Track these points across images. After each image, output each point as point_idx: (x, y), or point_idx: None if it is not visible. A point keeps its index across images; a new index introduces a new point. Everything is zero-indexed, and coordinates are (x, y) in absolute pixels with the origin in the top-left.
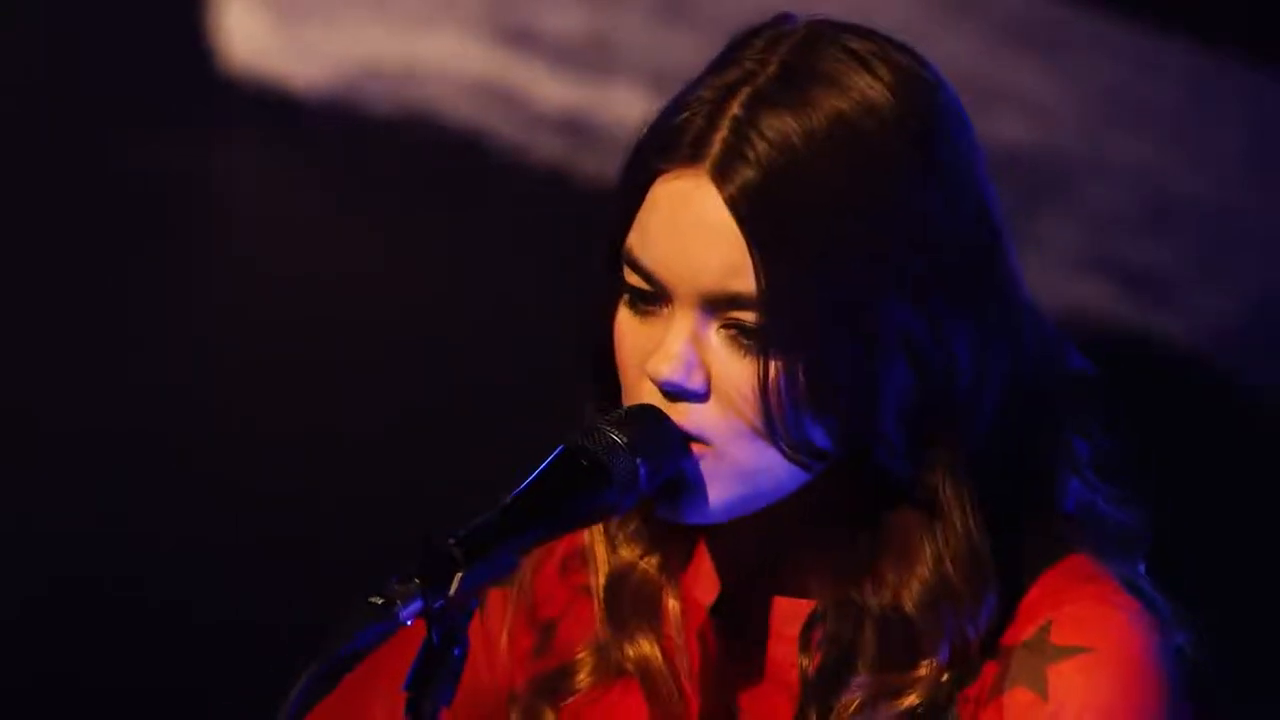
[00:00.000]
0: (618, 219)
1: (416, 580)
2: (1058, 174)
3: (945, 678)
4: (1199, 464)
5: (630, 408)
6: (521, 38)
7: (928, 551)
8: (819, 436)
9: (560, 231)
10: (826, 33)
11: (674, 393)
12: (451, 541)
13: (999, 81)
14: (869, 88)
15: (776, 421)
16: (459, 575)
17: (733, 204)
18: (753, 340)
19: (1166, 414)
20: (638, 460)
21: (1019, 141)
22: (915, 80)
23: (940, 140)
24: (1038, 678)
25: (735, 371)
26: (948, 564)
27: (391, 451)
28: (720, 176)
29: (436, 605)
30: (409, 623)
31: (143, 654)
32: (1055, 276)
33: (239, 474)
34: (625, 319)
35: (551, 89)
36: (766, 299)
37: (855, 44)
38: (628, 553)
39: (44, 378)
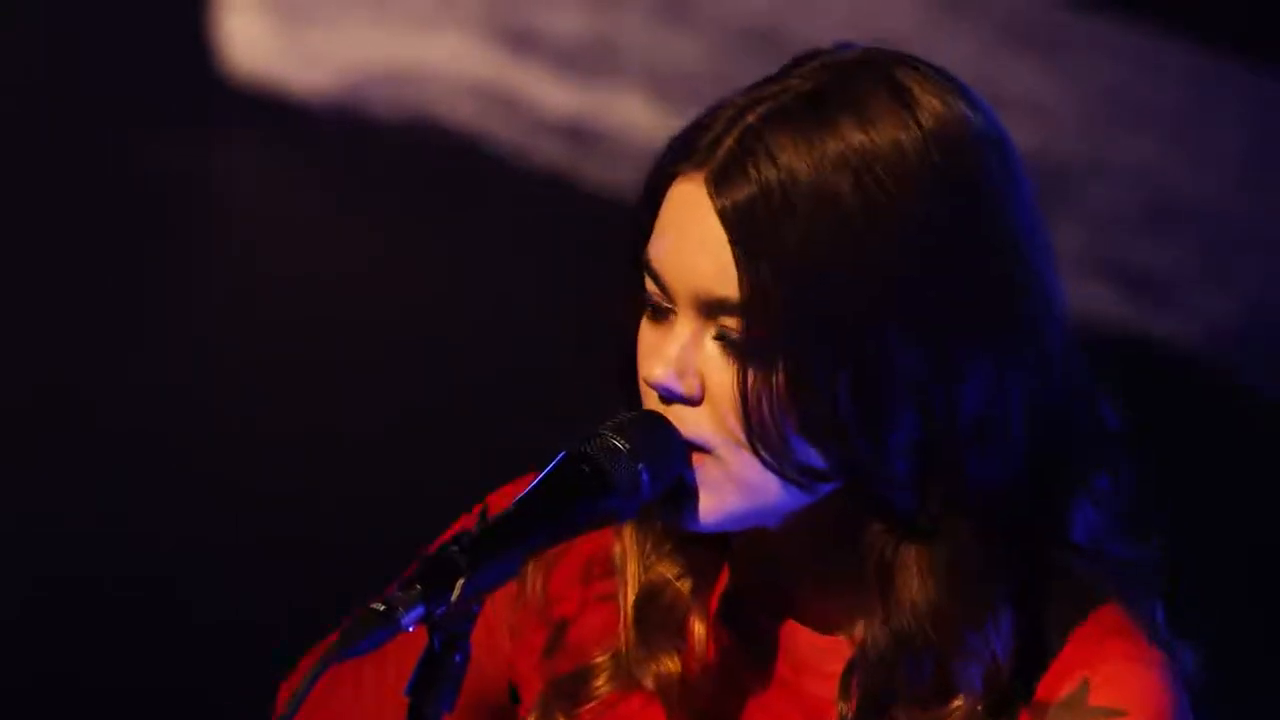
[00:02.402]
0: (639, 224)
1: (418, 586)
2: (1058, 174)
3: (980, 709)
4: (1199, 464)
5: (634, 414)
6: (522, 40)
7: (935, 574)
8: (806, 453)
9: (560, 232)
10: (877, 61)
11: (667, 396)
12: (454, 547)
13: (999, 81)
14: (898, 121)
15: (756, 431)
16: (461, 581)
17: (723, 214)
18: (737, 348)
19: (1166, 414)
20: (639, 466)
21: (1019, 142)
22: (954, 118)
23: (969, 183)
24: None
25: (724, 378)
26: (956, 584)
27: (391, 451)
28: (716, 185)
29: (438, 611)
30: (411, 629)
31: (143, 654)
32: None
33: (239, 474)
34: (644, 326)
35: (552, 91)
36: (748, 308)
37: (902, 75)
38: (660, 572)
39: (44, 378)
